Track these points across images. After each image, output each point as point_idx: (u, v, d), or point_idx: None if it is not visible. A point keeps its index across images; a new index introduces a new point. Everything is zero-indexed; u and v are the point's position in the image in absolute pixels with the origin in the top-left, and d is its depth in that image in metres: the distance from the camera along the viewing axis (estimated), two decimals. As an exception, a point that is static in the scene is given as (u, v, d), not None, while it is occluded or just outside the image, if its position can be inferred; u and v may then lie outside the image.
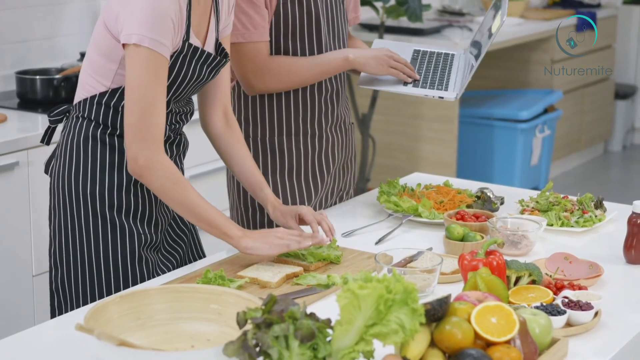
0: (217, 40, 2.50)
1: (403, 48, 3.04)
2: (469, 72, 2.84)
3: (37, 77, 3.93)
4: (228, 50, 2.53)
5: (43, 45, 4.26)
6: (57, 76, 3.94)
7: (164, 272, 2.48)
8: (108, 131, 2.43)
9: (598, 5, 7.15)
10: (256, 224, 2.87)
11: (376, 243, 2.59)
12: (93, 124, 2.44)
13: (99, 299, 2.42)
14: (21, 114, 3.79)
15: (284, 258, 2.42)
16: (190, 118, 2.56)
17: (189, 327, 1.93)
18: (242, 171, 2.58)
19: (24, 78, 3.93)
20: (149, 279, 2.44)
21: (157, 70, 2.30)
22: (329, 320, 1.69)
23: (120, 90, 2.40)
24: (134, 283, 2.44)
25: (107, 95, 2.41)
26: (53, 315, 2.51)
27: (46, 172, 2.56)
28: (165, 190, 2.34)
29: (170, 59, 2.35)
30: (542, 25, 6.37)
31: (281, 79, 2.79)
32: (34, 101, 3.91)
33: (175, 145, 2.55)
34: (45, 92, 3.90)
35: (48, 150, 3.50)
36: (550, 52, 6.46)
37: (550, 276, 2.24)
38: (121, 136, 2.41)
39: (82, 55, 4.22)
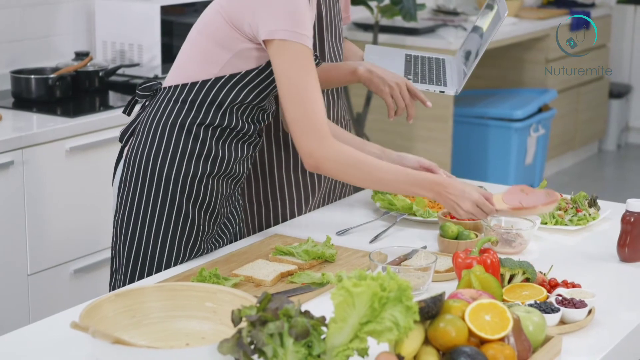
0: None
1: (395, 53, 3.06)
2: (469, 70, 2.85)
3: (32, 76, 3.93)
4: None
5: (38, 44, 4.27)
6: (52, 75, 3.93)
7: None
8: (197, 121, 2.44)
9: (592, 5, 7.17)
10: (262, 220, 2.88)
11: (370, 241, 2.60)
12: (185, 110, 2.45)
13: (147, 276, 2.46)
14: (16, 113, 3.79)
15: (278, 257, 2.43)
16: (271, 119, 2.58)
17: (184, 325, 1.94)
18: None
19: (19, 77, 3.93)
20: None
21: (307, 62, 2.32)
22: (323, 318, 1.70)
23: (224, 79, 2.41)
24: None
25: (210, 83, 2.42)
26: (111, 277, 2.57)
27: (121, 140, 2.57)
28: (346, 174, 2.40)
29: None
30: (537, 25, 6.38)
31: None
32: (29, 100, 3.91)
33: (253, 146, 2.56)
34: (40, 92, 3.90)
35: (44, 149, 3.52)
36: (545, 51, 6.47)
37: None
38: (211, 127, 2.44)
39: (77, 54, 4.21)
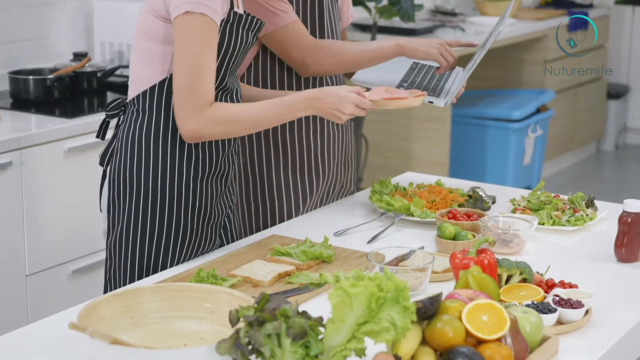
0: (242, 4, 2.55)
1: (403, 60, 3.06)
2: (462, 82, 2.86)
3: (30, 77, 3.93)
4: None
5: (36, 45, 4.27)
6: (50, 76, 3.93)
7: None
8: (170, 125, 2.44)
9: (590, 5, 7.17)
10: (259, 219, 2.89)
11: (368, 242, 2.60)
12: (154, 117, 2.44)
13: None
14: (14, 114, 3.79)
15: (276, 257, 2.43)
16: (240, 98, 2.57)
17: (182, 325, 1.94)
18: None
19: (17, 78, 3.93)
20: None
21: (208, 36, 2.32)
22: (321, 319, 1.70)
23: None
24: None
25: (167, 82, 2.42)
26: None
27: (101, 163, 2.56)
28: (228, 133, 2.40)
29: (220, 29, 2.37)
30: (535, 25, 6.38)
31: (334, 58, 2.84)
32: (27, 101, 3.91)
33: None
34: (38, 92, 3.90)
35: (42, 150, 3.53)
36: (543, 52, 6.48)
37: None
38: None
39: (75, 55, 4.21)
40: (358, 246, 2.55)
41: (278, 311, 1.68)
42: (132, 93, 2.49)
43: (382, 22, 5.61)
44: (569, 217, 2.71)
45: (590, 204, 2.78)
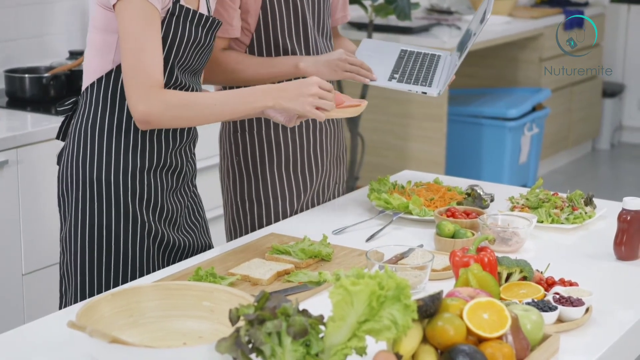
0: (209, 10, 2.53)
1: (391, 47, 3.06)
2: (452, 70, 2.85)
3: (26, 75, 3.92)
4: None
5: (32, 43, 4.25)
6: (46, 75, 3.93)
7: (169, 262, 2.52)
8: (116, 115, 2.43)
9: (586, 4, 7.17)
10: (254, 217, 2.88)
11: (367, 240, 2.59)
12: (101, 107, 2.44)
13: (104, 285, 2.45)
14: (10, 112, 3.78)
15: (275, 255, 2.42)
16: None
17: (181, 324, 1.93)
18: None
19: (13, 76, 3.92)
20: (157, 262, 2.49)
21: (148, 17, 2.32)
22: (321, 317, 1.69)
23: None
24: (139, 270, 2.47)
25: (114, 72, 2.42)
26: (60, 300, 2.54)
27: (58, 163, 2.56)
28: (178, 120, 2.37)
29: (164, 21, 2.37)
30: (530, 24, 6.38)
31: (227, 74, 2.81)
32: (23, 100, 3.90)
33: (186, 132, 2.55)
34: (34, 91, 3.89)
35: (38, 148, 3.51)
36: (539, 50, 6.48)
37: None
38: (132, 120, 2.42)
39: (71, 53, 4.20)
40: (357, 245, 2.54)
41: (278, 310, 1.67)
42: (83, 86, 2.49)
43: (378, 20, 5.61)
44: (568, 215, 2.71)
45: (589, 201, 2.78)
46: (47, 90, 3.90)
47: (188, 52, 2.45)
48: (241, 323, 1.70)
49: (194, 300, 1.94)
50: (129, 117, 2.43)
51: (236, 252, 2.47)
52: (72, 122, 2.51)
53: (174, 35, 2.41)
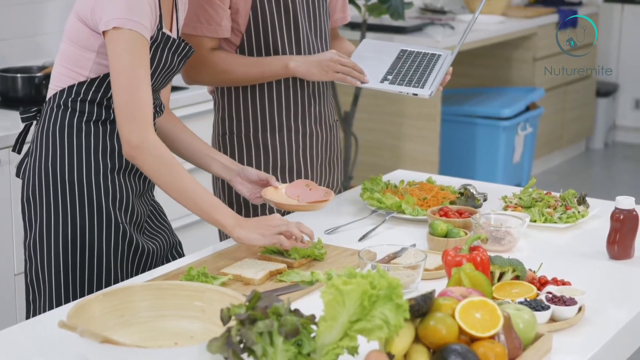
0: (178, 31, 2.54)
1: (390, 48, 3.05)
2: (444, 70, 2.85)
3: (19, 75, 3.91)
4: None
5: (24, 43, 4.25)
6: (39, 74, 3.92)
7: (139, 265, 2.50)
8: (84, 118, 2.43)
9: (579, 4, 7.17)
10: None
11: (359, 240, 2.59)
12: (69, 111, 2.43)
13: (79, 289, 2.43)
14: (2, 112, 3.77)
15: (267, 255, 2.42)
16: (161, 113, 2.55)
17: (173, 324, 1.93)
18: (195, 149, 2.63)
19: (5, 76, 3.91)
20: (128, 267, 2.47)
21: (139, 51, 2.32)
22: (313, 316, 1.69)
23: (99, 79, 2.41)
24: (114, 273, 2.45)
25: (86, 84, 2.42)
26: (28, 309, 2.51)
27: (17, 175, 2.54)
28: (158, 172, 2.34)
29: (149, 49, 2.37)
30: (524, 23, 6.38)
31: (216, 75, 2.81)
32: (15, 99, 3.89)
33: None
34: (26, 91, 3.88)
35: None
36: (533, 50, 6.48)
37: None
38: (99, 122, 2.43)
39: (64, 53, 4.19)
40: (349, 244, 2.54)
41: (270, 309, 1.67)
42: (50, 92, 2.48)
43: (372, 20, 5.61)
44: (561, 214, 2.71)
45: (581, 201, 2.78)
46: (40, 90, 3.89)
47: (160, 76, 2.47)
48: (233, 323, 1.69)
49: (185, 300, 1.93)
50: (98, 119, 2.43)
51: (228, 252, 2.46)
52: (37, 127, 2.49)
53: (154, 63, 2.42)
